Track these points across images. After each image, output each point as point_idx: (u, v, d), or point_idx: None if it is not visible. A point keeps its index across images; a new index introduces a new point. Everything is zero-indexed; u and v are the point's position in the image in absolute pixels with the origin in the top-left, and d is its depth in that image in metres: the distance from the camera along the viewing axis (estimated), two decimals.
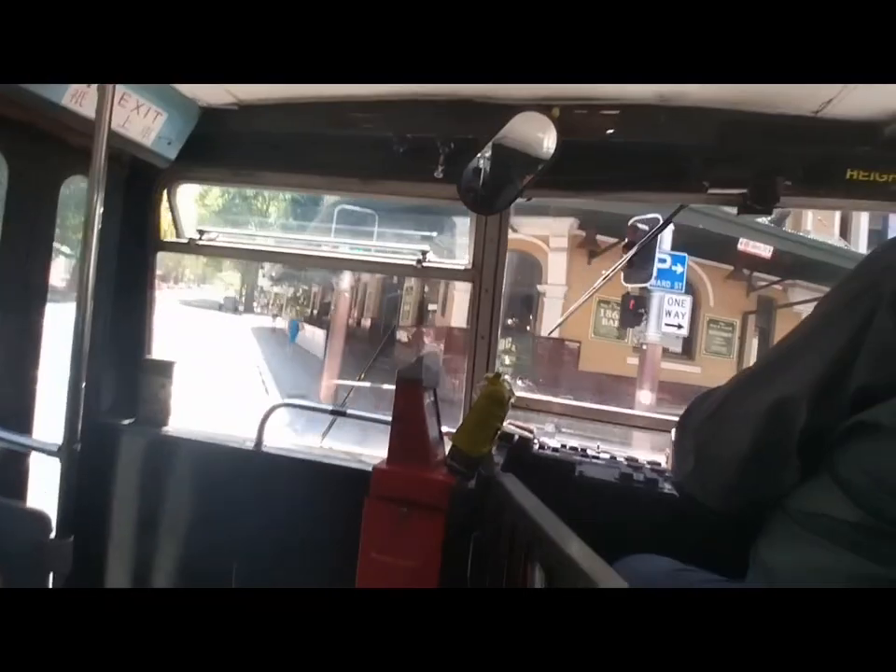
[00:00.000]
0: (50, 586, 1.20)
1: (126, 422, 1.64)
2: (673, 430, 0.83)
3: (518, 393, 1.30)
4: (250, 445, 1.52)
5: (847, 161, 1.11)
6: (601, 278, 1.45)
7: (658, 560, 0.80)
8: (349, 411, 1.57)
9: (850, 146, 1.11)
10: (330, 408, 1.60)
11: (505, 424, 1.25)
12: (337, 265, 1.66)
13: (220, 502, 1.53)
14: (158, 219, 1.71)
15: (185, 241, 1.71)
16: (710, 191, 1.20)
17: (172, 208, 1.71)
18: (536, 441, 1.34)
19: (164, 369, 1.68)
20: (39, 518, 1.23)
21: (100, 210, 1.14)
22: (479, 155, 1.29)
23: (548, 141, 1.26)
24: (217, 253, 1.78)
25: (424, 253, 1.49)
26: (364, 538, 1.11)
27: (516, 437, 1.29)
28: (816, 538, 0.54)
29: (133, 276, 1.68)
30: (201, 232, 1.70)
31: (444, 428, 1.31)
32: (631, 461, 1.30)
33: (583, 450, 1.34)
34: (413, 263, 1.50)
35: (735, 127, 1.16)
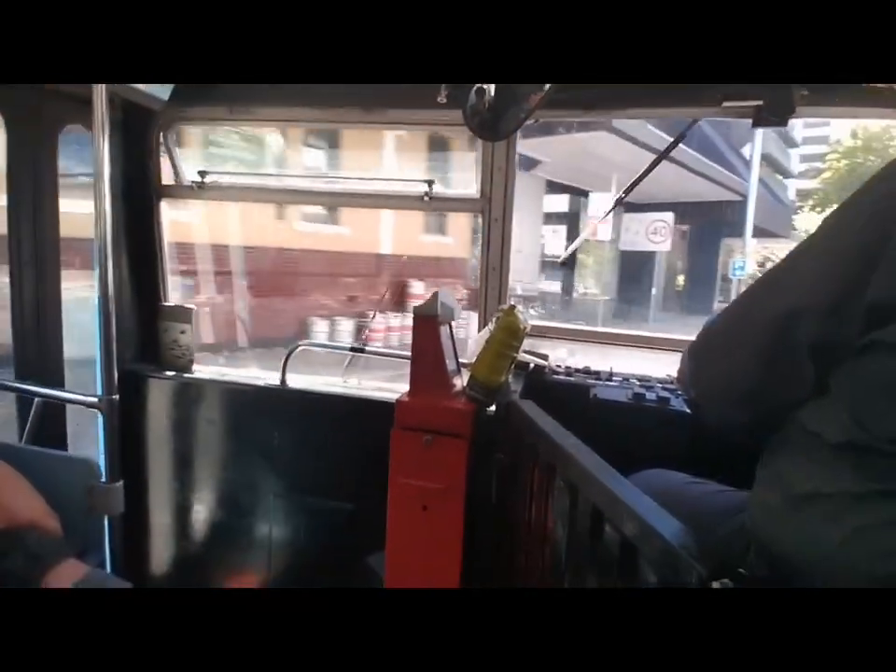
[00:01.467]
0: (106, 527, 1.30)
1: (150, 368, 1.70)
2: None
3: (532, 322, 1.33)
4: (275, 384, 1.59)
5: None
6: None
7: (671, 474, 0.86)
8: (368, 347, 1.62)
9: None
10: (349, 345, 1.64)
11: (520, 353, 1.28)
12: (342, 201, 1.64)
13: (251, 440, 1.63)
14: (157, 165, 1.68)
15: (188, 185, 1.68)
16: (725, 104, 1.16)
17: (170, 152, 1.67)
18: (550, 367, 1.39)
19: (183, 315, 1.72)
20: (88, 465, 1.31)
21: (107, 157, 1.13)
22: None
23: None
24: (221, 196, 1.76)
25: (430, 184, 1.46)
26: (392, 465, 1.19)
27: (532, 365, 1.34)
28: (818, 453, 0.52)
29: (140, 225, 1.68)
30: (202, 174, 1.67)
31: (462, 360, 1.36)
32: (643, 380, 1.34)
33: (596, 373, 1.39)
34: (421, 195, 1.48)
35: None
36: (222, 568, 1.67)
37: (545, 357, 1.39)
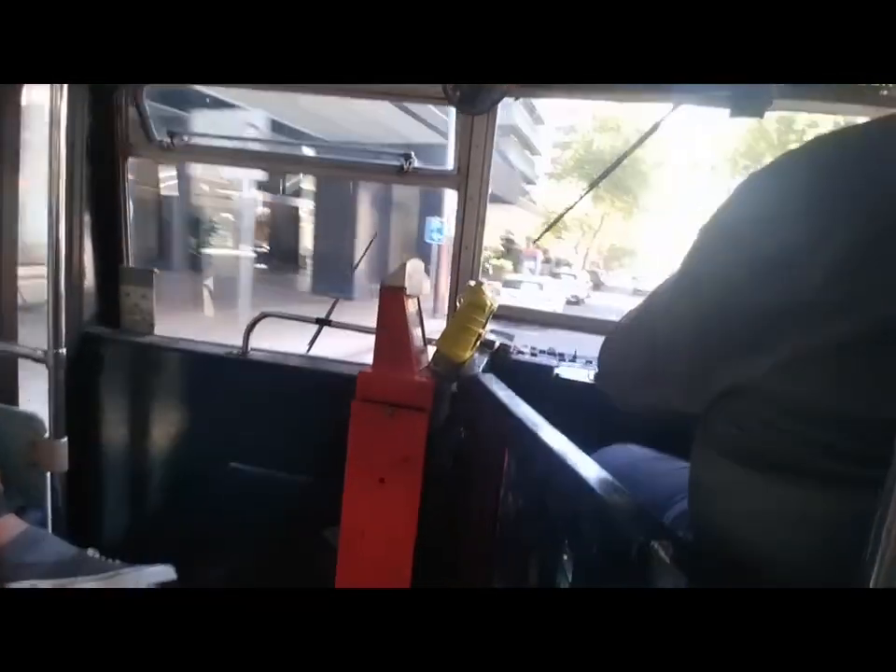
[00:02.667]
0: (48, 485, 1.26)
1: (109, 331, 1.65)
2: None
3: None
4: (236, 353, 1.55)
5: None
6: (588, 187, 1.43)
7: (636, 449, 0.86)
8: (334, 320, 1.59)
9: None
10: (315, 317, 1.61)
11: (486, 332, 1.28)
12: (316, 169, 1.59)
13: (210, 408, 1.59)
14: (124, 122, 1.61)
15: (157, 144, 1.62)
16: (705, 91, 1.16)
17: (140, 110, 1.61)
18: (515, 347, 1.38)
19: (144, 277, 1.66)
20: (32, 420, 1.26)
21: (64, 110, 1.08)
22: None
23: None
24: (190, 158, 1.70)
25: (407, 157, 1.44)
26: (352, 437, 1.17)
27: (497, 343, 1.33)
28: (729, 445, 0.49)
29: (104, 184, 1.62)
30: (171, 135, 1.61)
31: (428, 336, 1.35)
32: None
33: (560, 354, 1.40)
34: (397, 167, 1.45)
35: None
36: (171, 537, 1.63)
37: (511, 338, 1.39)
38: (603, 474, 0.61)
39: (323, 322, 1.60)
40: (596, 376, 0.73)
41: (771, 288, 0.41)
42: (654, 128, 1.22)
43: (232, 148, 1.64)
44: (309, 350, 1.75)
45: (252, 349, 1.57)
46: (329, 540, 1.33)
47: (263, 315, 1.58)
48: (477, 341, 1.19)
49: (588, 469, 0.62)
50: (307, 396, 1.49)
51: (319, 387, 1.48)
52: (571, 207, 1.61)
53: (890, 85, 1.04)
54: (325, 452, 1.34)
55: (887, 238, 0.37)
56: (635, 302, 0.66)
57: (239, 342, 1.56)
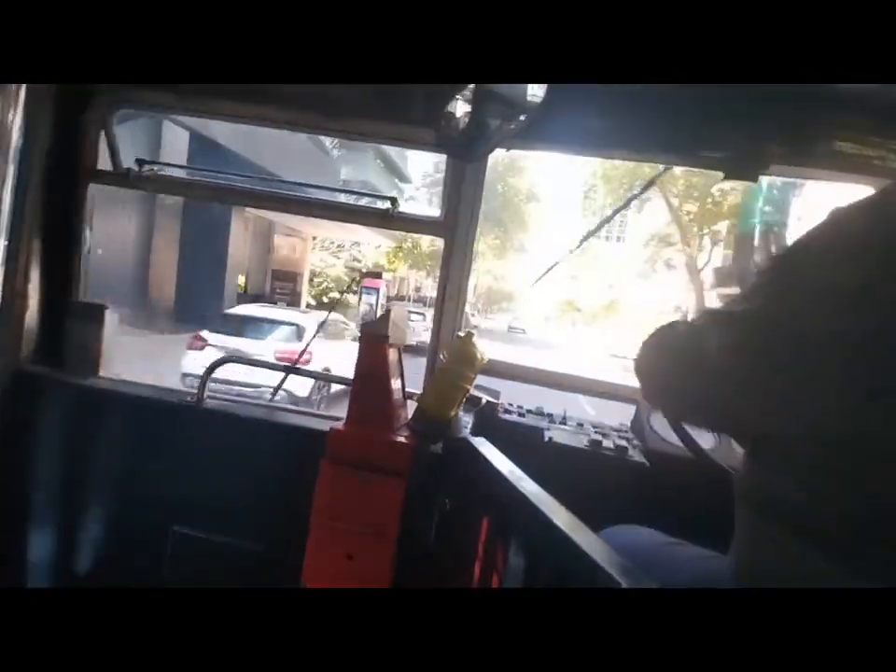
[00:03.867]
0: None
1: (52, 371, 1.47)
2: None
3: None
4: (191, 400, 1.40)
5: (835, 131, 1.08)
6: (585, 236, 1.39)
7: (642, 532, 0.76)
8: (303, 367, 1.46)
9: (839, 114, 1.08)
10: (282, 364, 1.48)
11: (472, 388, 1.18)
12: (299, 209, 1.51)
13: (157, 460, 1.41)
14: (91, 146, 1.50)
15: (122, 172, 1.51)
16: (702, 153, 1.15)
17: (108, 135, 1.51)
18: (502, 405, 1.29)
19: (95, 313, 1.51)
20: None
21: (18, 129, 0.98)
22: (458, 97, 1.18)
23: (533, 88, 1.17)
24: (159, 188, 1.59)
25: (393, 201, 1.38)
26: (317, 501, 1.03)
27: (483, 401, 1.23)
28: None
29: (62, 211, 1.49)
30: (140, 163, 1.51)
31: (408, 390, 1.24)
32: (598, 427, 1.27)
33: (550, 415, 1.30)
34: (383, 211, 1.38)
35: (727, 88, 1.10)
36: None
37: (497, 395, 1.29)
38: (636, 572, 0.50)
39: (290, 369, 1.47)
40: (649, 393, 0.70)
41: None
42: (649, 184, 1.20)
43: (208, 183, 1.55)
44: (272, 399, 1.61)
45: (209, 396, 1.42)
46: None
47: (223, 361, 1.45)
48: (463, 397, 1.09)
49: (615, 563, 0.51)
50: (269, 451, 1.33)
51: (283, 442, 1.34)
52: (559, 262, 1.57)
53: (889, 154, 1.05)
54: (285, 517, 1.18)
55: None
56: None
57: None
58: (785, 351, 0.46)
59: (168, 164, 1.54)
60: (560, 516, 0.62)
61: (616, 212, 1.28)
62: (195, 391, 1.41)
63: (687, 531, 0.76)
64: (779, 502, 0.47)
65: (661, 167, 1.27)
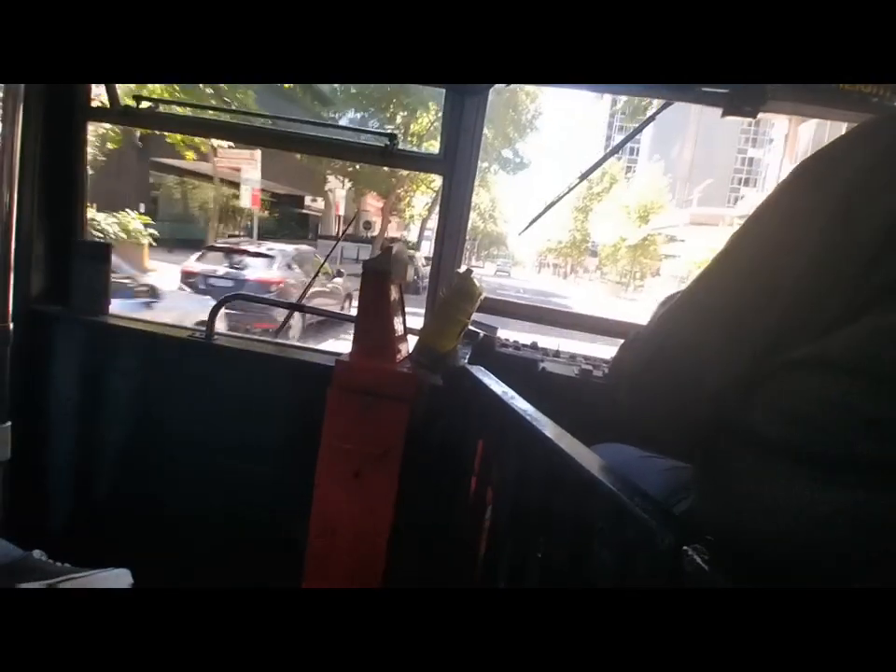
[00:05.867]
0: None
1: (59, 309, 1.51)
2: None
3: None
4: (200, 336, 1.45)
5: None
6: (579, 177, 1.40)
7: (625, 448, 0.84)
8: (308, 304, 1.51)
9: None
10: (287, 301, 1.53)
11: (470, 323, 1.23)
12: (298, 147, 1.50)
13: (169, 395, 1.48)
14: (88, 84, 1.48)
15: (120, 109, 1.50)
16: (703, 88, 1.15)
17: None
18: (499, 339, 1.34)
19: (99, 252, 1.54)
20: None
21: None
22: None
23: None
24: (156, 125, 1.58)
25: (392, 138, 1.37)
26: (326, 427, 1.11)
27: (481, 335, 1.29)
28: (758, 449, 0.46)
29: (62, 150, 1.48)
30: (138, 100, 1.49)
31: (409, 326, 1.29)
32: (589, 359, 1.33)
33: (544, 349, 1.36)
34: (381, 148, 1.38)
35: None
36: (127, 535, 1.51)
37: (494, 330, 1.35)
38: (615, 472, 0.57)
39: (295, 307, 1.52)
40: (616, 372, 0.66)
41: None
42: (650, 119, 1.20)
43: (205, 119, 1.54)
44: (277, 335, 1.66)
45: (217, 333, 1.47)
46: (295, 538, 1.26)
47: (232, 297, 1.49)
48: (462, 331, 1.14)
49: (597, 466, 0.58)
50: (277, 384, 1.40)
51: (290, 375, 1.40)
52: (554, 203, 1.58)
53: (884, 91, 1.05)
54: (295, 443, 1.26)
55: None
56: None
57: None
58: (756, 282, 0.45)
59: (165, 101, 1.52)
60: (550, 429, 0.69)
61: (608, 155, 1.28)
62: (203, 328, 1.46)
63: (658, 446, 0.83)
64: (745, 430, 0.47)
65: (663, 102, 1.26)
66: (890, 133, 0.40)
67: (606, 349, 1.51)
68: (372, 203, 19.81)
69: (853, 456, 0.40)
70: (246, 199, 10.68)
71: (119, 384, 1.50)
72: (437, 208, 1.47)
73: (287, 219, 18.46)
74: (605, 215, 29.87)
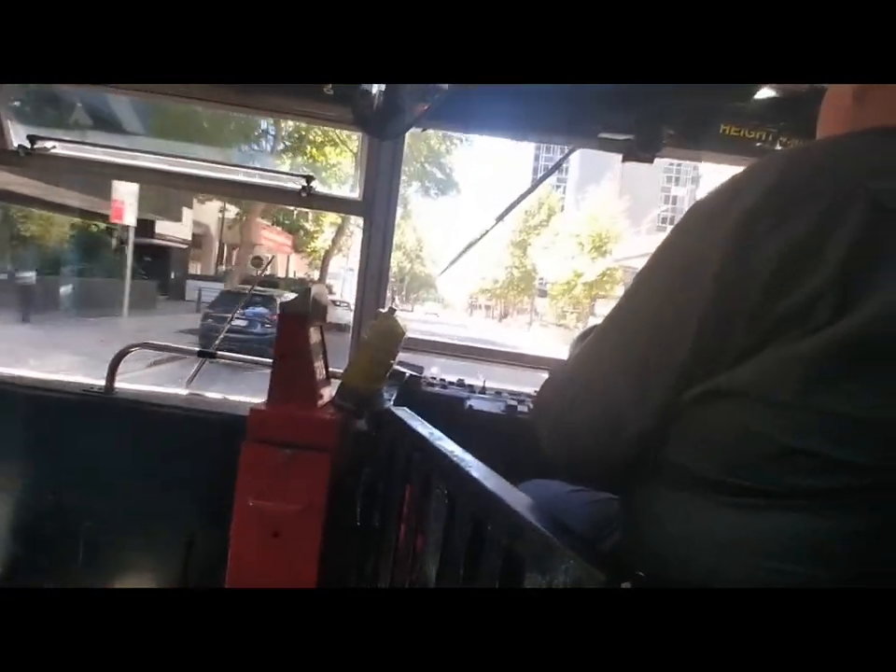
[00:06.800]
0: None
1: None
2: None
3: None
4: (98, 391, 1.31)
5: (722, 116, 1.20)
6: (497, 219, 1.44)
7: (551, 483, 0.83)
8: (220, 352, 1.41)
9: (726, 101, 1.19)
10: (197, 349, 1.43)
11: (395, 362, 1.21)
12: (213, 189, 1.44)
13: (64, 457, 1.31)
14: None
15: (12, 149, 1.37)
16: (601, 135, 1.23)
17: None
18: (425, 378, 1.32)
19: None
20: None
21: None
22: None
23: None
24: (56, 166, 1.46)
25: (309, 180, 1.35)
26: (240, 484, 1.02)
27: (407, 374, 1.26)
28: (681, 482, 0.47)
29: None
30: (32, 139, 1.37)
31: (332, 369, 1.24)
32: (515, 395, 1.34)
33: (470, 386, 1.36)
34: (298, 191, 1.36)
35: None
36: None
37: (420, 369, 1.33)
38: (543, 511, 0.55)
39: (206, 355, 1.42)
40: (538, 412, 0.63)
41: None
42: (557, 165, 1.27)
43: (113, 162, 1.44)
44: (188, 385, 1.54)
45: (118, 388, 1.34)
46: None
47: (131, 347, 1.37)
48: (387, 372, 1.11)
49: (526, 506, 0.56)
50: (186, 440, 1.28)
51: (201, 430, 1.29)
52: (473, 244, 1.61)
53: (767, 137, 1.18)
54: (207, 505, 1.15)
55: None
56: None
57: None
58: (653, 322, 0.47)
59: (65, 141, 1.41)
60: (477, 470, 0.67)
61: (524, 195, 1.34)
62: (102, 382, 1.32)
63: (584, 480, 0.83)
64: (661, 461, 0.48)
65: (566, 148, 1.34)
66: (774, 174, 0.43)
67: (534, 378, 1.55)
68: (269, 236, 17.14)
69: (761, 483, 0.41)
70: None
71: (8, 445, 1.31)
72: (339, 242, 1.45)
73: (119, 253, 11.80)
74: (549, 248, 26.37)
